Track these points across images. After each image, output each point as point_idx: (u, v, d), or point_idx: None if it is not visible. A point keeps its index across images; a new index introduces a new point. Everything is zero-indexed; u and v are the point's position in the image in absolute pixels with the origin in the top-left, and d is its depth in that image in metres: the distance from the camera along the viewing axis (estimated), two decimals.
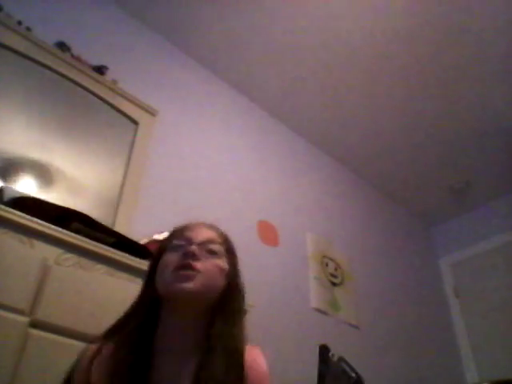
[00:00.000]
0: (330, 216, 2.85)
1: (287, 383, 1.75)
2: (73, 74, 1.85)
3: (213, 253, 0.82)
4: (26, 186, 1.57)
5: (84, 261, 1.12)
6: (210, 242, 0.83)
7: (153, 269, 0.84)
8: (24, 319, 0.97)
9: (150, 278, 0.83)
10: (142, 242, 1.53)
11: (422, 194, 3.40)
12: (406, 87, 2.64)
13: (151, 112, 2.10)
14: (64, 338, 1.01)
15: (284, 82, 2.65)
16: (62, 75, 1.82)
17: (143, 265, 1.24)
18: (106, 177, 1.83)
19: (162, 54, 2.40)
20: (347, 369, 1.60)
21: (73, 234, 1.14)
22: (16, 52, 1.70)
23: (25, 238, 1.05)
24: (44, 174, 1.63)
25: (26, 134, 1.65)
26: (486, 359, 2.97)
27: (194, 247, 0.78)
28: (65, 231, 1.12)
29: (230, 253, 0.87)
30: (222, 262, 0.82)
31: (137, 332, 0.76)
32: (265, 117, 2.83)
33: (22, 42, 1.73)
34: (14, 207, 1.08)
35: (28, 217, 1.07)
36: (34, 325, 0.98)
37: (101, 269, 1.15)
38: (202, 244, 0.81)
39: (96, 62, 1.97)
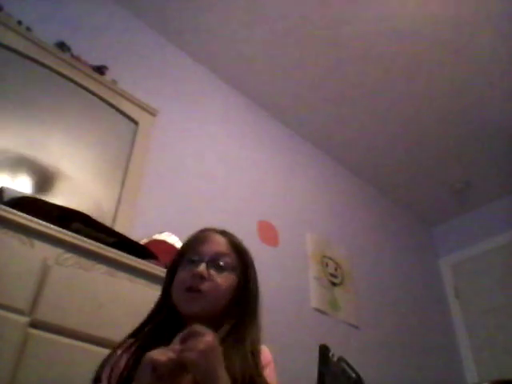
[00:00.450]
0: (329, 216, 2.85)
1: (287, 383, 1.74)
2: (73, 74, 1.85)
3: (221, 268, 0.88)
4: (25, 186, 1.57)
5: (84, 261, 1.12)
6: (219, 255, 0.90)
7: (169, 280, 0.92)
8: (24, 319, 0.97)
9: (166, 288, 0.92)
10: (142, 242, 1.53)
11: (423, 194, 3.40)
12: (407, 87, 2.64)
13: (151, 112, 2.10)
14: (64, 338, 1.01)
15: (284, 82, 2.65)
16: (62, 75, 1.82)
17: (143, 265, 1.24)
18: (106, 177, 1.83)
19: (162, 54, 2.39)
20: (347, 369, 1.60)
21: (73, 234, 1.14)
22: (16, 52, 1.70)
23: (25, 238, 1.05)
24: (44, 173, 1.63)
25: (25, 134, 1.64)
26: (485, 359, 2.96)
27: (201, 269, 0.86)
28: (65, 231, 1.12)
29: (241, 261, 0.93)
30: (229, 277, 0.89)
31: (150, 338, 0.84)
32: (265, 117, 2.83)
33: (22, 42, 1.73)
34: (14, 207, 1.08)
35: (28, 217, 1.07)
36: (34, 325, 0.98)
37: (101, 269, 1.15)
38: (211, 261, 0.88)
39: (96, 62, 1.97)
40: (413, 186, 3.34)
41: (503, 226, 3.20)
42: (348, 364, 1.61)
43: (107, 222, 1.53)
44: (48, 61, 1.79)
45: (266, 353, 0.87)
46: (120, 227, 1.61)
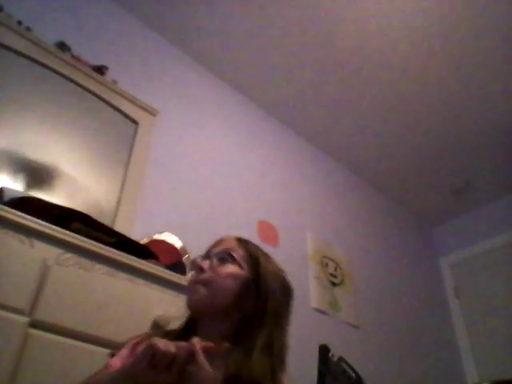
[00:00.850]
0: (329, 216, 2.85)
1: (287, 383, 1.74)
2: (73, 74, 1.85)
3: (224, 260, 0.87)
4: (25, 186, 1.56)
5: (84, 261, 1.12)
6: (226, 250, 0.89)
7: None
8: (24, 319, 0.97)
9: None
10: (142, 241, 1.53)
11: (423, 193, 3.40)
12: (407, 87, 2.64)
13: (151, 112, 2.10)
14: (64, 338, 1.01)
15: (285, 82, 2.65)
16: (62, 75, 1.82)
17: (143, 265, 1.24)
18: (106, 177, 1.83)
19: (162, 54, 2.40)
20: (347, 369, 1.60)
21: (73, 234, 1.13)
22: (16, 52, 1.70)
23: (25, 238, 1.05)
24: (44, 174, 1.63)
25: (25, 134, 1.64)
26: (485, 359, 2.96)
27: (198, 260, 0.87)
28: (65, 231, 1.12)
29: (253, 260, 0.89)
30: (234, 267, 0.86)
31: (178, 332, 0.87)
32: (265, 117, 2.83)
33: (22, 42, 1.73)
34: (14, 207, 1.08)
35: (28, 217, 1.07)
36: (34, 325, 0.98)
37: (101, 269, 1.15)
38: (216, 254, 0.89)
39: (96, 62, 1.97)
40: (413, 186, 3.34)
41: (503, 226, 3.20)
42: (348, 364, 1.61)
43: (107, 222, 1.53)
44: (48, 61, 1.78)
45: None
46: (120, 227, 1.61)
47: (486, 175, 3.18)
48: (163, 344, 0.67)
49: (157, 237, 1.62)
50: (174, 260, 1.51)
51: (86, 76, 1.90)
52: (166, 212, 1.93)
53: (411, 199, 3.46)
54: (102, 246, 1.18)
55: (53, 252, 1.08)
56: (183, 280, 1.31)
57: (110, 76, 2.00)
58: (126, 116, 2.00)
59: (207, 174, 2.25)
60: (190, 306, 0.85)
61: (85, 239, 1.15)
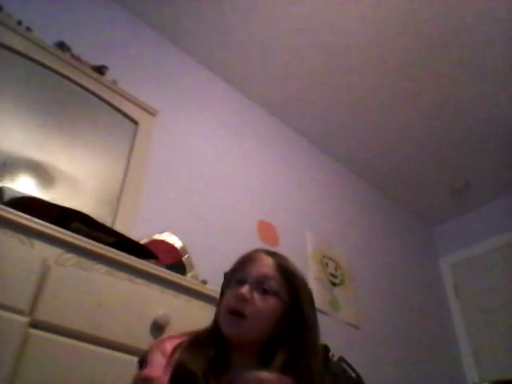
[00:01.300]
0: (329, 216, 2.85)
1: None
2: (73, 74, 1.85)
3: (266, 292, 0.89)
4: (25, 186, 1.57)
5: (84, 261, 1.12)
6: (265, 278, 0.91)
7: (221, 297, 0.96)
8: (24, 319, 0.97)
9: (219, 305, 0.95)
10: (142, 241, 1.53)
11: (423, 193, 3.40)
12: (406, 87, 2.64)
13: (151, 112, 2.10)
14: (64, 337, 1.01)
15: (285, 82, 2.65)
16: (62, 75, 1.82)
17: (143, 265, 1.24)
18: (106, 177, 1.83)
19: (162, 54, 2.40)
20: (347, 369, 1.60)
21: (73, 234, 1.13)
22: (16, 52, 1.70)
23: (25, 238, 1.04)
24: (44, 173, 1.63)
25: (25, 134, 1.64)
26: (485, 359, 2.97)
27: (244, 290, 0.88)
28: (65, 231, 1.12)
29: (289, 285, 0.92)
30: (272, 302, 0.89)
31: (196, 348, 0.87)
32: (265, 117, 2.83)
33: (22, 42, 1.73)
34: (14, 207, 1.08)
35: (28, 217, 1.06)
36: (34, 325, 0.98)
37: (101, 269, 1.15)
38: (256, 283, 0.90)
39: (96, 62, 1.97)
40: (413, 186, 3.34)
41: (503, 226, 3.20)
42: (348, 364, 1.61)
43: (107, 222, 1.53)
44: (48, 61, 1.79)
45: None
46: (120, 227, 1.61)
47: (486, 175, 3.18)
48: (269, 377, 0.71)
49: (157, 237, 1.62)
50: (174, 260, 1.51)
51: (86, 76, 1.90)
52: (165, 212, 1.93)
53: (411, 199, 3.46)
54: (101, 245, 1.18)
55: (53, 252, 1.08)
56: (183, 280, 1.31)
57: (109, 76, 2.00)
58: (126, 116, 2.00)
59: (207, 174, 2.25)
60: (229, 336, 0.87)
61: (85, 239, 1.15)
